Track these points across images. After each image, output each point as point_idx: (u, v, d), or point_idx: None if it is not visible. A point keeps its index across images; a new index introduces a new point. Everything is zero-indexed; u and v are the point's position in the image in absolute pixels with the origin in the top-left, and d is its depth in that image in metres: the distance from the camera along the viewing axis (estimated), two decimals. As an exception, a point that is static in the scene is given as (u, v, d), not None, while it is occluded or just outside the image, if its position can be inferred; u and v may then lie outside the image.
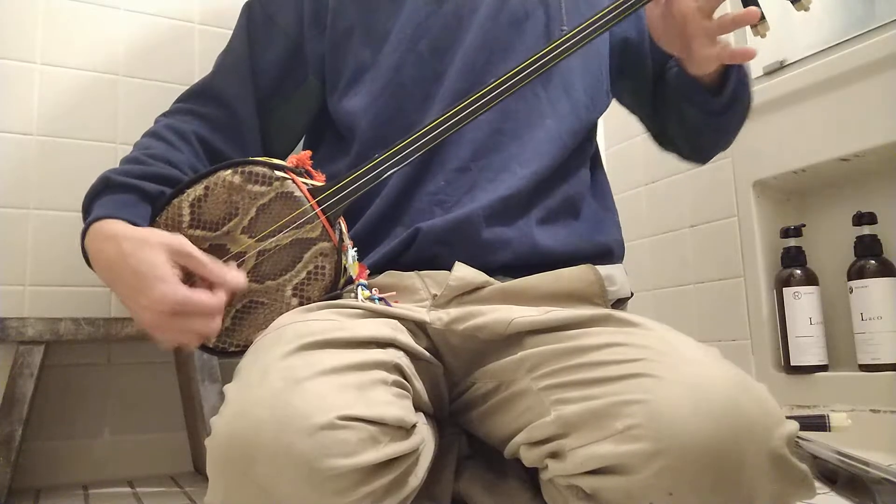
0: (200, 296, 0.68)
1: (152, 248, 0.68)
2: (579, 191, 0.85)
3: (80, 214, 0.75)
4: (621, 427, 0.54)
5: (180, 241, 0.70)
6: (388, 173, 0.75)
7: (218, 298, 0.69)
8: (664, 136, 0.99)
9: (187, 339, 0.71)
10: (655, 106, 0.96)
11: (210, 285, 0.70)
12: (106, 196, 0.74)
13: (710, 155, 0.98)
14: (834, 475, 0.89)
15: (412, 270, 0.77)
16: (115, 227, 0.71)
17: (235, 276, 0.71)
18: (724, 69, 0.82)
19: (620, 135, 1.01)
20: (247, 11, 0.91)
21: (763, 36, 0.80)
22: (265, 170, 0.74)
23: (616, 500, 0.55)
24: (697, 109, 0.86)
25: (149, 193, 0.75)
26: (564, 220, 0.83)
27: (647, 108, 0.97)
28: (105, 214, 0.72)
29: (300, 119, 0.91)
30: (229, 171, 0.74)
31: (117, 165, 0.80)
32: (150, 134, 0.84)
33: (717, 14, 0.76)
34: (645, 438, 0.53)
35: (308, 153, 0.78)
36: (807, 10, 0.79)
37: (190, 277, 0.70)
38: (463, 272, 0.76)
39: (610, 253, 0.85)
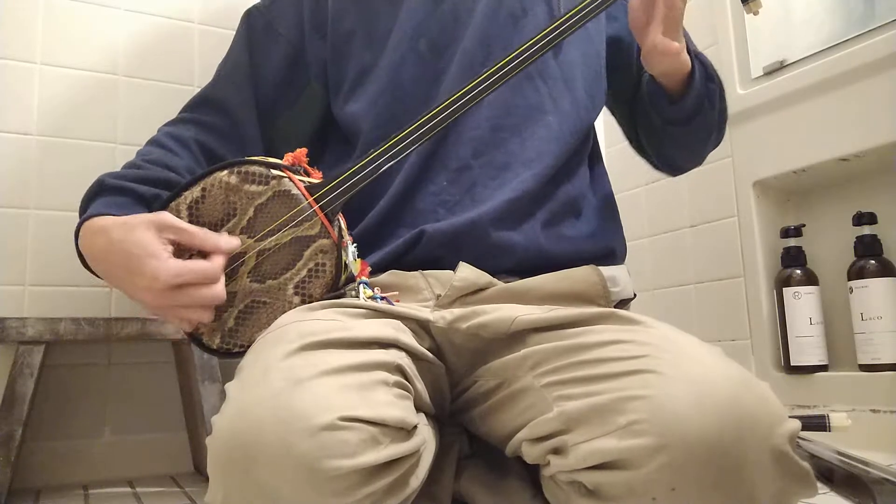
0: (196, 263, 0.68)
1: (139, 229, 0.68)
2: (581, 190, 0.85)
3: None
4: (624, 422, 0.54)
5: (165, 216, 0.70)
6: (385, 167, 0.74)
7: (214, 263, 0.69)
8: (637, 141, 0.99)
9: (195, 314, 0.71)
10: (632, 110, 0.96)
11: (204, 255, 0.70)
12: (100, 198, 0.74)
13: (680, 167, 0.98)
14: (830, 473, 0.89)
15: (415, 270, 0.77)
16: (105, 221, 0.71)
17: (227, 239, 0.71)
18: (689, 81, 0.82)
19: (621, 135, 1.01)
20: (246, 19, 0.91)
21: (756, 13, 0.80)
22: (261, 169, 0.74)
23: (618, 495, 0.55)
24: (659, 117, 0.86)
25: (143, 196, 0.75)
26: (567, 220, 0.83)
27: (625, 111, 0.97)
28: (96, 213, 0.72)
29: (304, 125, 0.91)
30: (225, 172, 0.73)
31: (117, 165, 0.80)
32: (150, 142, 0.84)
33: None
34: (648, 433, 0.53)
35: (304, 150, 0.77)
36: (756, 14, 0.79)
37: (184, 253, 0.70)
38: (467, 273, 0.76)
39: (613, 253, 0.85)
